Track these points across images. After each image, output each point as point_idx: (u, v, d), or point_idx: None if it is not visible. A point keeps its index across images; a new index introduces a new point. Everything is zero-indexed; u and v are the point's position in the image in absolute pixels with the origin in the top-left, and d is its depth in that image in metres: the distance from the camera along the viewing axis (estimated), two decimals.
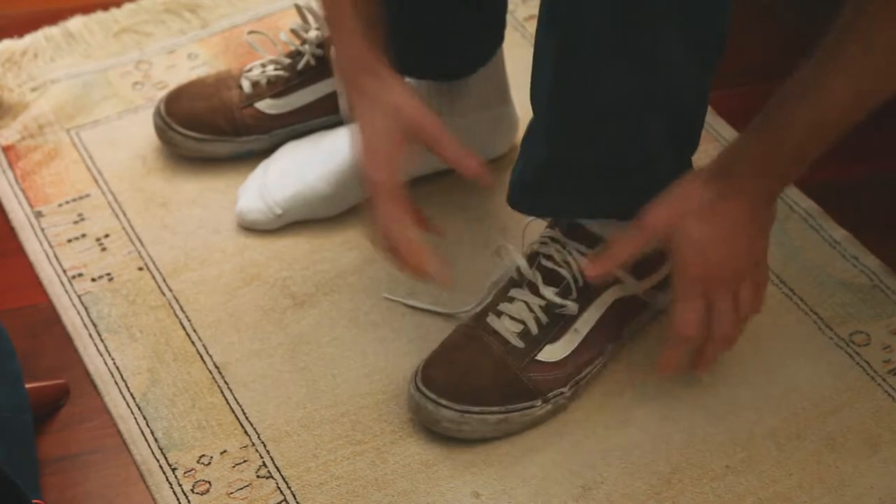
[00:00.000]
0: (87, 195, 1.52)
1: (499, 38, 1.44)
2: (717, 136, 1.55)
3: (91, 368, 1.35)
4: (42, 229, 1.48)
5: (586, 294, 1.28)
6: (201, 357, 1.36)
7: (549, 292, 1.28)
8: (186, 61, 1.68)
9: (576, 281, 1.28)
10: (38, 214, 1.50)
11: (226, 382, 1.34)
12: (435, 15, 1.34)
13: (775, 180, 1.16)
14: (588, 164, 1.19)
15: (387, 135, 1.21)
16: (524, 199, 1.26)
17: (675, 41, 1.11)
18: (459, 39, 1.39)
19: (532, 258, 1.30)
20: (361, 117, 1.22)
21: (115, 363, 1.35)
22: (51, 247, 1.46)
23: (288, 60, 1.53)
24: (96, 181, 1.53)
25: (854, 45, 1.05)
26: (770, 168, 1.14)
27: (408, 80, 1.45)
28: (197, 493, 1.25)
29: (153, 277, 1.43)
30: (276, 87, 1.53)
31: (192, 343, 1.37)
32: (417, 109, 1.21)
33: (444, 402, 1.25)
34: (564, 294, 1.28)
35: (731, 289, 1.20)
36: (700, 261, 1.17)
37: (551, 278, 1.29)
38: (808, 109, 1.08)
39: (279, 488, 1.25)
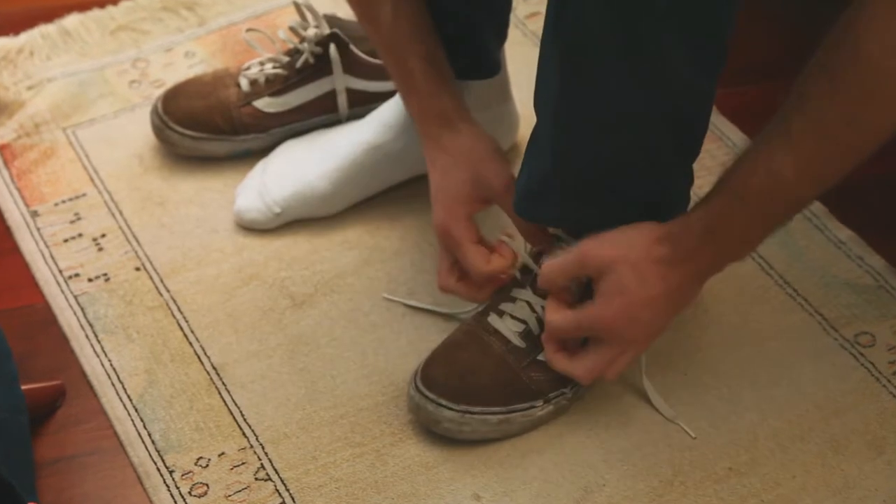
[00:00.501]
0: (84, 194, 1.52)
1: (502, 36, 1.44)
2: (720, 136, 1.55)
3: (87, 369, 1.35)
4: (38, 229, 1.48)
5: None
6: (199, 358, 1.36)
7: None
8: (184, 59, 1.68)
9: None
10: (34, 214, 1.50)
11: (224, 384, 1.34)
12: (445, 16, 1.34)
13: (717, 258, 1.16)
14: (592, 172, 1.20)
15: (460, 190, 1.28)
16: (529, 207, 1.26)
17: (679, 50, 1.11)
18: (472, 41, 1.39)
19: (536, 257, 1.30)
20: (438, 171, 1.29)
21: (111, 364, 1.35)
22: (47, 247, 1.46)
23: (286, 58, 1.53)
24: (93, 180, 1.53)
25: (801, 126, 1.06)
26: (714, 237, 1.14)
27: None
28: (195, 496, 1.25)
29: (150, 277, 1.43)
30: (275, 86, 1.53)
31: (190, 344, 1.37)
32: (491, 165, 1.28)
33: (444, 402, 1.25)
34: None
35: (620, 348, 1.20)
36: (617, 312, 1.17)
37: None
38: (761, 179, 1.10)
39: (278, 491, 1.25)
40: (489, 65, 1.42)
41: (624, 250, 1.17)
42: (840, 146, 1.06)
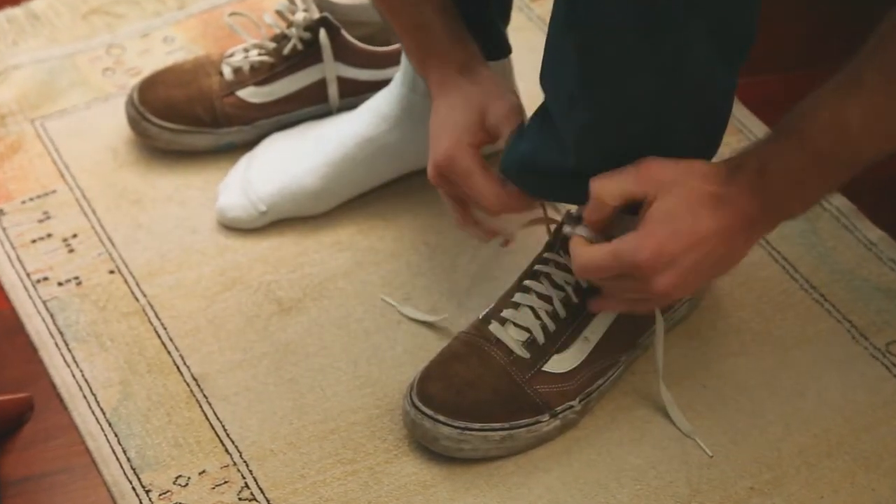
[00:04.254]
0: (53, 191, 1.52)
1: (505, 20, 1.44)
2: (741, 128, 1.55)
3: (57, 381, 1.35)
4: (3, 229, 1.48)
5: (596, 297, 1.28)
6: (178, 368, 1.36)
7: (555, 294, 1.28)
8: (162, 45, 1.68)
9: (577, 285, 1.28)
10: (0, 212, 1.50)
11: (205, 396, 1.34)
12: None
13: (769, 208, 1.15)
14: (608, 163, 1.20)
15: (468, 119, 1.27)
16: (528, 180, 1.26)
17: (701, 42, 1.12)
18: (480, 19, 1.39)
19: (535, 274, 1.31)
20: (445, 108, 1.29)
21: (83, 375, 1.35)
22: (13, 248, 1.47)
23: (273, 45, 1.53)
24: (63, 176, 1.53)
25: (874, 78, 1.06)
26: (770, 179, 1.13)
27: (404, 64, 1.45)
28: None
29: (125, 281, 1.43)
30: (260, 74, 1.53)
31: (168, 353, 1.37)
32: (504, 101, 1.28)
33: (442, 418, 1.25)
34: (567, 300, 1.28)
35: (644, 289, 1.17)
36: (660, 243, 1.15)
37: (556, 283, 1.29)
38: (825, 127, 1.10)
39: None
40: (499, 46, 1.42)
41: (683, 175, 1.16)
42: None
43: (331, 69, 1.52)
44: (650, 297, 1.18)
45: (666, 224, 1.14)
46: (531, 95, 1.27)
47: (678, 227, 1.14)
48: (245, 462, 1.29)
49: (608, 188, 1.17)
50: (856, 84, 1.07)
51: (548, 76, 1.20)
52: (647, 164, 1.17)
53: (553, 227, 1.30)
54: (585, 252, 1.19)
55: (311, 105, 1.54)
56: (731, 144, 1.52)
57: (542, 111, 1.24)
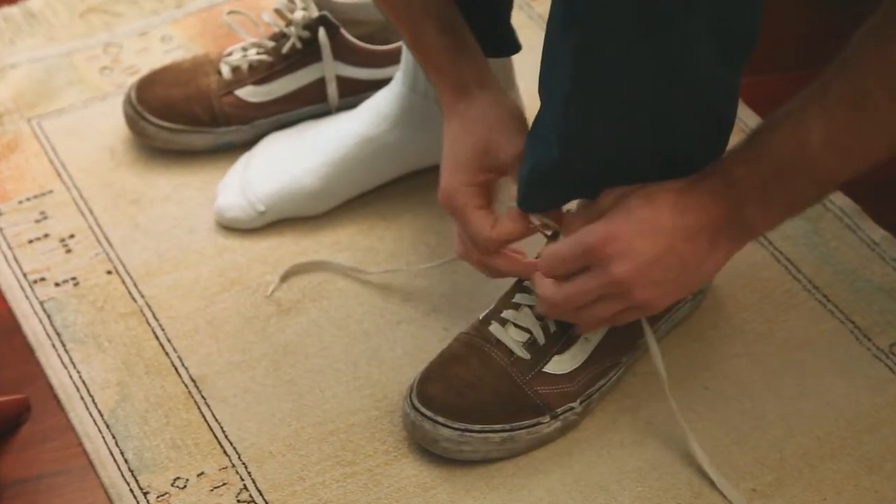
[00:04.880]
0: (50, 191, 1.52)
1: (504, 47, 1.44)
2: (743, 128, 1.55)
3: (55, 382, 1.36)
4: (0, 229, 1.49)
5: None
6: (176, 369, 1.36)
7: None
8: (160, 44, 1.68)
9: None
10: None
11: (203, 397, 1.34)
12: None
13: (733, 219, 1.14)
14: (603, 166, 1.20)
15: (466, 155, 1.27)
16: (531, 198, 1.26)
17: (701, 42, 1.12)
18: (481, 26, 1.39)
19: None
20: (449, 139, 1.29)
21: (80, 376, 1.36)
22: (10, 248, 1.47)
23: (272, 44, 1.53)
24: (60, 176, 1.54)
25: (839, 90, 1.07)
26: (733, 185, 1.13)
27: (404, 63, 1.45)
28: None
29: (123, 282, 1.44)
30: (259, 73, 1.53)
31: (166, 354, 1.38)
32: (502, 135, 1.27)
33: (442, 420, 1.26)
34: None
35: (605, 280, 1.17)
36: (616, 230, 1.16)
37: None
38: (787, 138, 1.10)
39: None
40: (509, 42, 1.41)
41: (640, 187, 1.18)
42: (875, 120, 1.07)
43: (330, 68, 1.52)
44: (614, 292, 1.18)
45: (623, 213, 1.16)
46: (531, 95, 1.27)
47: (635, 215, 1.16)
48: (244, 464, 1.29)
49: (572, 221, 1.22)
50: (821, 96, 1.08)
51: (545, 75, 1.20)
52: (603, 193, 1.20)
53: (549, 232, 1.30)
54: (552, 247, 1.21)
55: (311, 104, 1.54)
56: (732, 144, 1.52)
57: (536, 125, 1.24)
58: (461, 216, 1.27)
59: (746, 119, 1.56)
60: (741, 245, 1.18)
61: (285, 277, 1.43)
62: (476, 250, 1.28)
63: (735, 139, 1.52)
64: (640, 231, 1.16)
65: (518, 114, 1.30)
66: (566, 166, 1.21)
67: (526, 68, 1.27)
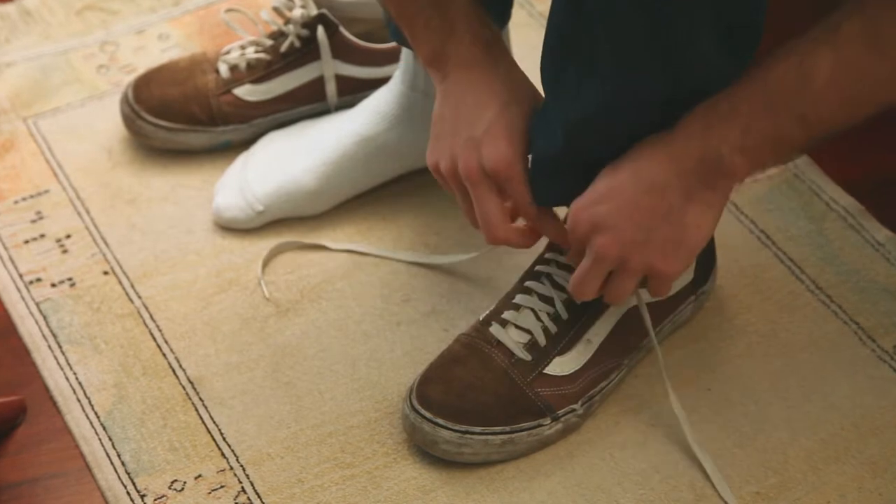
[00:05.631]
0: (47, 191, 1.53)
1: (505, 17, 1.44)
2: None
3: (51, 384, 1.36)
4: None
5: (598, 299, 1.29)
6: (173, 371, 1.37)
7: (556, 295, 1.29)
8: (157, 42, 1.68)
9: None
10: None
11: (201, 399, 1.34)
12: None
13: (714, 152, 1.12)
14: (606, 158, 1.20)
15: (525, 125, 1.23)
16: (538, 191, 1.26)
17: (707, 35, 1.12)
18: None
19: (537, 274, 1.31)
20: (497, 103, 1.22)
21: (77, 378, 1.36)
22: (5, 249, 1.47)
23: (270, 42, 1.54)
24: (56, 176, 1.54)
25: (851, 28, 1.06)
26: (713, 123, 1.12)
27: (403, 61, 1.46)
28: None
29: (120, 283, 1.44)
30: (257, 72, 1.53)
31: (164, 355, 1.38)
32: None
33: (442, 422, 1.26)
34: (569, 301, 1.29)
35: (622, 266, 1.19)
36: (601, 194, 1.18)
37: (558, 284, 1.30)
38: (789, 70, 1.09)
39: None
40: (506, 10, 1.41)
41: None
42: (886, 62, 1.06)
43: (329, 67, 1.53)
44: (611, 265, 1.19)
45: (588, 191, 1.19)
46: None
47: (596, 188, 1.18)
48: (242, 466, 1.29)
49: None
50: (831, 34, 1.06)
51: (548, 66, 1.21)
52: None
53: None
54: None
55: (309, 103, 1.54)
56: None
57: (540, 115, 1.24)
58: (516, 185, 1.22)
59: None
60: (722, 192, 1.16)
61: (272, 256, 1.44)
62: (523, 217, 1.25)
63: None
64: (601, 199, 1.17)
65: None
66: (569, 156, 1.21)
67: (527, 67, 1.27)
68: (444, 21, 1.23)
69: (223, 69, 1.54)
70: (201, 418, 1.33)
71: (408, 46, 1.35)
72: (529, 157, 1.23)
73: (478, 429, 1.26)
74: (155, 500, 1.27)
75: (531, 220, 1.25)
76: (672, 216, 1.16)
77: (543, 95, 1.23)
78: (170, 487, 1.28)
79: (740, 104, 1.11)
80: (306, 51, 1.52)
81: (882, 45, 1.05)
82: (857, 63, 1.06)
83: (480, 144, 1.22)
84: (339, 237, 1.47)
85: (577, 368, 1.29)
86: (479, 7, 1.24)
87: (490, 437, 1.26)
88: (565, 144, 1.20)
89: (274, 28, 1.54)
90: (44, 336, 1.39)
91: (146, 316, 1.41)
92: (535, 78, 1.25)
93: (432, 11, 1.24)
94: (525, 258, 1.34)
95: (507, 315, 1.30)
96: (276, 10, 1.54)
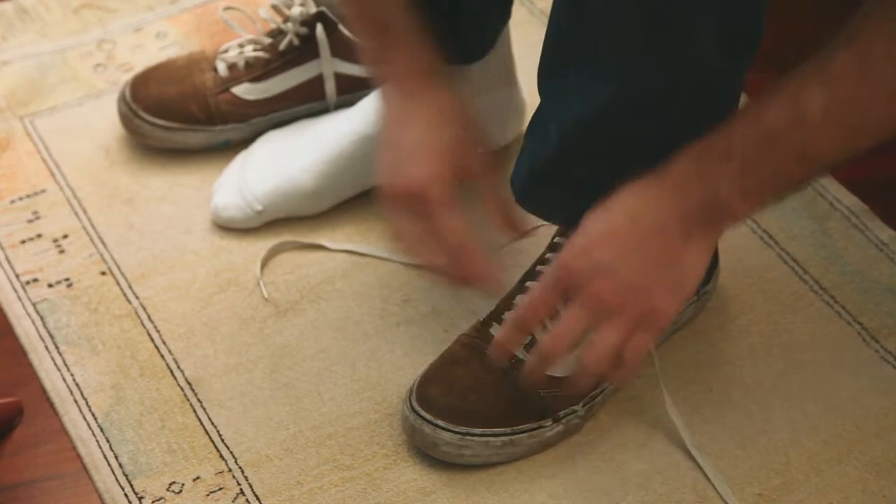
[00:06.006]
0: (43, 191, 1.53)
1: (505, 15, 1.45)
2: None
3: (48, 385, 1.36)
4: None
5: None
6: (171, 372, 1.37)
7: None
8: (155, 41, 1.68)
9: None
10: None
11: (199, 400, 1.35)
12: None
13: (707, 195, 1.11)
14: (599, 159, 1.21)
15: (450, 147, 1.23)
16: (529, 195, 1.27)
17: (707, 35, 1.12)
18: (466, 19, 1.40)
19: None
20: (421, 125, 1.23)
21: (74, 379, 1.36)
22: (2, 249, 1.47)
23: (268, 40, 1.54)
24: (53, 175, 1.54)
25: (844, 62, 1.05)
26: (710, 166, 1.10)
27: None
28: None
29: (117, 283, 1.44)
30: (256, 70, 1.53)
31: (162, 356, 1.38)
32: (477, 134, 1.25)
33: (442, 423, 1.26)
34: None
35: (593, 304, 1.14)
36: (578, 246, 1.14)
37: None
38: (783, 109, 1.07)
39: None
40: (482, 44, 1.42)
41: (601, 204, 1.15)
42: (880, 94, 1.05)
43: (328, 65, 1.53)
44: (605, 312, 1.14)
45: (580, 232, 1.15)
46: (533, 91, 1.27)
47: (591, 229, 1.14)
48: (240, 468, 1.29)
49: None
50: (824, 68, 1.06)
51: (547, 66, 1.21)
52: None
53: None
54: (526, 294, 1.18)
55: (308, 102, 1.55)
56: None
57: (535, 119, 1.24)
58: (437, 215, 1.21)
59: None
60: (719, 232, 1.15)
61: (271, 256, 1.44)
62: (441, 251, 1.22)
63: None
64: (599, 242, 1.14)
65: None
66: (564, 159, 1.21)
67: (528, 65, 1.28)
68: (385, 38, 1.25)
69: (221, 68, 1.54)
70: (199, 420, 1.33)
71: None
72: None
73: (478, 430, 1.26)
74: (153, 502, 1.27)
75: (450, 248, 1.22)
76: (672, 259, 1.14)
77: (540, 97, 1.24)
78: (168, 489, 1.28)
79: (736, 144, 1.10)
80: (305, 49, 1.52)
81: (875, 78, 1.05)
82: (851, 97, 1.06)
83: (402, 165, 1.22)
84: (338, 237, 1.47)
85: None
86: (421, 31, 1.24)
87: (491, 438, 1.27)
88: (560, 147, 1.20)
89: (272, 26, 1.54)
90: (41, 337, 1.39)
91: (144, 316, 1.41)
92: (533, 77, 1.25)
93: (375, 29, 1.26)
94: (526, 258, 1.35)
95: (507, 315, 1.30)
96: (275, 7, 1.54)
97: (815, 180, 1.08)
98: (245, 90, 1.53)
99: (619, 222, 1.14)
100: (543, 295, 1.17)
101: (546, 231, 1.33)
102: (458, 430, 1.26)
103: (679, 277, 1.16)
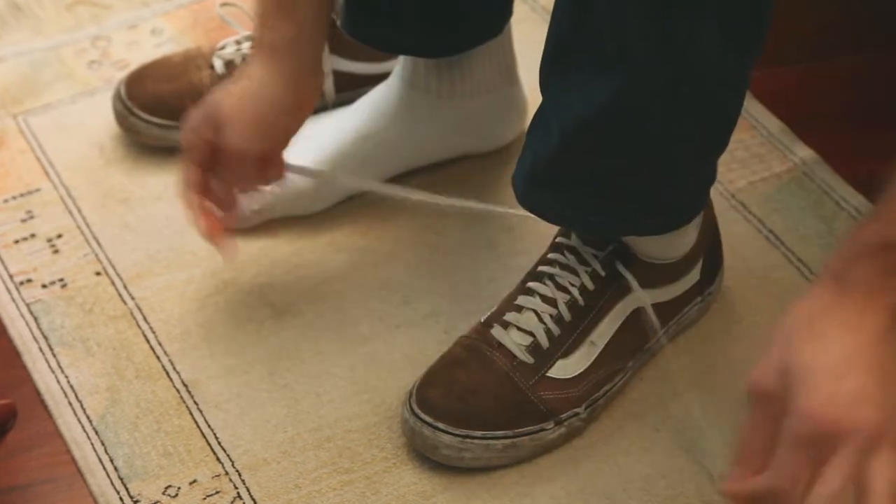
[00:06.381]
0: (37, 190, 1.53)
1: (507, 10, 1.45)
2: (754, 124, 1.55)
3: (42, 387, 1.36)
4: None
5: (601, 301, 1.29)
6: (167, 374, 1.37)
7: (560, 296, 1.29)
8: (150, 37, 1.68)
9: (583, 288, 1.29)
10: None
11: (195, 403, 1.35)
12: None
13: None
14: (600, 158, 1.20)
15: (291, 116, 1.32)
16: (531, 195, 1.27)
17: (708, 34, 1.12)
18: (463, 9, 1.40)
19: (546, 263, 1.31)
20: (276, 85, 1.30)
21: (69, 381, 1.36)
22: None
23: None
24: (47, 174, 1.54)
25: None
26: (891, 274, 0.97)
27: (403, 57, 1.46)
28: None
29: (112, 283, 1.44)
30: None
31: (157, 358, 1.38)
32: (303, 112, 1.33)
33: (442, 426, 1.26)
34: (572, 302, 1.29)
35: (858, 443, 0.95)
36: (814, 391, 0.95)
37: (561, 285, 1.30)
38: None
39: None
40: (489, 29, 1.42)
41: (791, 324, 1.00)
42: None
43: (326, 62, 1.53)
44: (873, 451, 0.96)
45: (817, 372, 0.97)
46: (535, 89, 1.27)
47: (833, 365, 0.96)
48: (237, 471, 1.29)
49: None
50: None
51: (549, 65, 1.21)
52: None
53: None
54: (767, 474, 0.98)
55: None
56: (744, 142, 1.53)
57: (537, 118, 1.24)
58: (272, 176, 1.35)
59: (756, 114, 1.56)
60: None
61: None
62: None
63: (746, 136, 1.53)
64: (845, 371, 0.96)
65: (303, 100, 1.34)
66: (567, 158, 1.21)
67: (529, 62, 1.28)
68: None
69: (218, 65, 1.54)
70: (196, 422, 1.33)
71: (359, 39, 1.42)
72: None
73: (479, 433, 1.26)
74: None
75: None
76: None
77: (542, 95, 1.23)
78: (164, 493, 1.28)
79: None
80: None
81: None
82: None
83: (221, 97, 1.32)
84: (337, 237, 1.47)
85: (580, 371, 1.29)
86: (322, 23, 1.31)
87: (491, 441, 1.27)
88: (561, 146, 1.20)
89: None
90: (34, 338, 1.39)
91: (139, 318, 1.41)
92: (534, 75, 1.25)
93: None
94: (527, 259, 1.34)
95: (508, 317, 1.30)
96: None
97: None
98: None
99: (857, 340, 0.97)
100: (795, 462, 0.97)
101: (547, 231, 1.33)
102: (458, 432, 1.26)
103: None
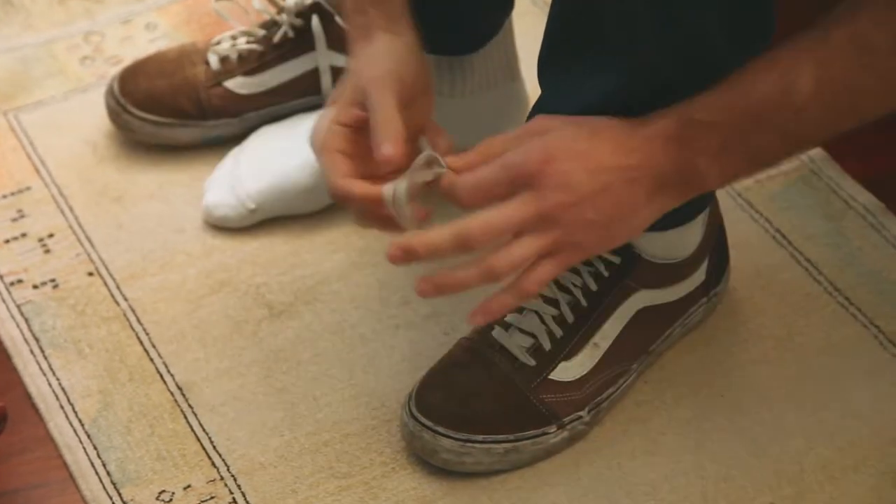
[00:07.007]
0: (28, 188, 1.53)
1: (508, 5, 1.45)
2: None
3: (33, 390, 1.36)
4: None
5: (605, 301, 1.29)
6: (161, 376, 1.37)
7: (562, 297, 1.29)
8: (144, 32, 1.68)
9: (586, 288, 1.29)
10: None
11: (190, 406, 1.35)
12: None
13: (680, 159, 1.10)
14: None
15: (416, 71, 1.20)
16: None
17: (714, 26, 1.12)
18: (466, 8, 1.40)
19: None
20: (373, 55, 1.20)
21: (60, 384, 1.36)
22: None
23: (262, 32, 1.54)
24: (38, 172, 1.54)
25: (838, 38, 1.04)
26: (693, 132, 1.09)
27: None
28: None
29: (105, 284, 1.44)
30: (249, 64, 1.54)
31: (151, 360, 1.38)
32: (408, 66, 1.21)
33: (442, 430, 1.26)
34: (574, 303, 1.29)
35: (549, 231, 1.10)
36: (538, 150, 1.09)
37: (563, 285, 1.30)
38: (771, 83, 1.07)
39: None
40: (483, 32, 1.42)
41: (581, 118, 1.13)
42: (874, 73, 1.05)
43: (324, 58, 1.53)
44: (540, 226, 1.10)
45: (564, 140, 1.11)
46: (535, 83, 1.27)
47: (578, 146, 1.10)
48: (233, 476, 1.29)
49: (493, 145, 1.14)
50: (818, 46, 1.06)
51: (549, 57, 1.21)
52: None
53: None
54: (472, 173, 1.12)
55: (304, 96, 1.55)
56: None
57: (536, 109, 1.25)
58: (319, 159, 1.19)
59: None
60: (683, 200, 1.14)
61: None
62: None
63: None
64: (582, 163, 1.10)
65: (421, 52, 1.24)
66: None
67: (530, 56, 1.28)
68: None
69: (213, 61, 1.54)
70: (190, 426, 1.33)
71: None
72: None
73: (480, 437, 1.26)
74: None
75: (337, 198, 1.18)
76: (628, 211, 1.12)
77: (540, 87, 1.24)
78: (157, 498, 1.28)
79: (720, 115, 1.09)
80: (300, 41, 1.53)
81: (871, 57, 1.05)
82: (843, 76, 1.05)
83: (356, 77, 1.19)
84: (335, 236, 1.47)
85: (583, 374, 1.29)
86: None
87: (493, 445, 1.27)
88: None
89: (266, 17, 1.54)
90: (25, 340, 1.39)
91: (133, 319, 1.41)
92: (533, 70, 1.25)
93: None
94: None
95: (510, 318, 1.30)
96: None
97: (792, 158, 1.07)
98: (238, 84, 1.53)
99: (604, 150, 1.11)
100: (495, 179, 1.11)
101: None
102: (458, 436, 1.26)
103: (621, 231, 1.14)
